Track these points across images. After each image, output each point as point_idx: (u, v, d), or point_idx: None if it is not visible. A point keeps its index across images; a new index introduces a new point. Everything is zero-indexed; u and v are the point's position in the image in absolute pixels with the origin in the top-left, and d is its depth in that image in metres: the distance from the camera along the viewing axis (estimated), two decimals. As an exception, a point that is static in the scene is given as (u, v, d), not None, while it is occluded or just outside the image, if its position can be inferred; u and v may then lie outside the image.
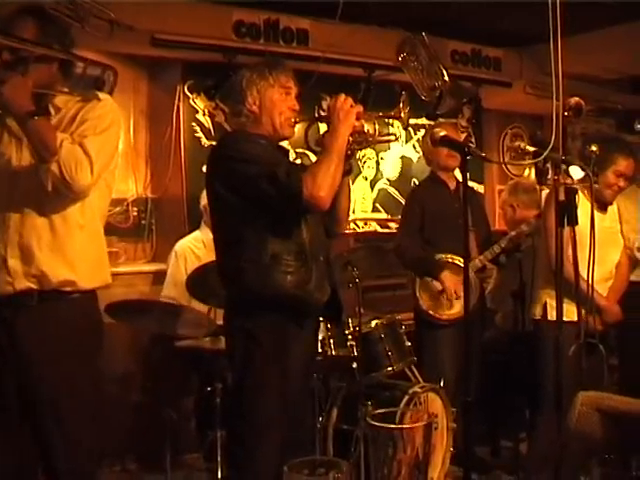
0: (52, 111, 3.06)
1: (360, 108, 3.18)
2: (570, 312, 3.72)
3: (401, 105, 3.23)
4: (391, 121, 6.98)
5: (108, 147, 3.10)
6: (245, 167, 3.11)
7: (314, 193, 2.99)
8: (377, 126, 3.30)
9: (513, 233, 5.07)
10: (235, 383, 3.28)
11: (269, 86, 3.29)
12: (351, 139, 3.20)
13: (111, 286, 5.26)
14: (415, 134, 7.19)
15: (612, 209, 4.69)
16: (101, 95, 3.14)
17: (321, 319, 3.83)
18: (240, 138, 3.32)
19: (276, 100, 3.28)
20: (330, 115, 3.16)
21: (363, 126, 3.23)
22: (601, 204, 4.55)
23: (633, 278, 5.17)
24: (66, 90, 3.09)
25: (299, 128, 3.46)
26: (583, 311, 3.58)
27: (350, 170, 3.41)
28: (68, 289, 3.06)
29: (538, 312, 4.56)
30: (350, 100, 3.16)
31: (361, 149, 3.54)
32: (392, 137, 3.45)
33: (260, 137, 3.27)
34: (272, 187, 3.03)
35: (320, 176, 3.01)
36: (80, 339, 3.09)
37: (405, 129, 3.04)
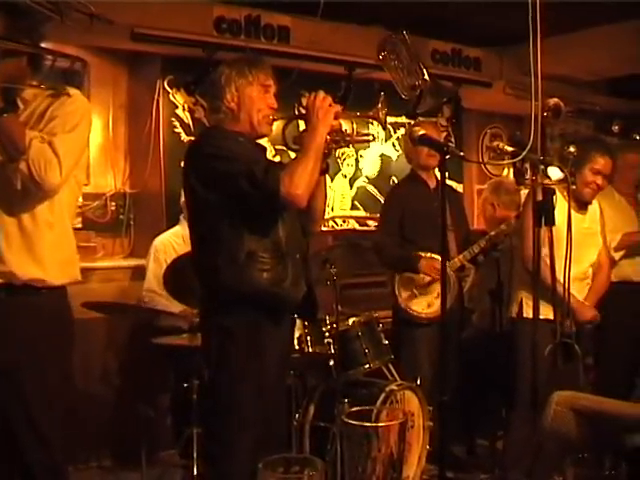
0: (20, 105, 3.03)
1: (339, 107, 3.19)
2: (547, 311, 3.74)
3: (379, 106, 3.23)
4: (370, 120, 7.02)
5: (77, 145, 3.08)
6: (223, 164, 3.10)
7: (291, 191, 3.00)
8: (355, 125, 3.30)
9: (492, 233, 5.08)
10: (211, 380, 3.27)
11: (248, 84, 3.28)
12: (329, 138, 3.20)
13: (89, 281, 5.27)
14: (395, 132, 7.22)
15: (593, 209, 4.71)
16: (71, 90, 3.11)
17: (296, 317, 3.85)
18: (218, 135, 3.31)
19: (255, 98, 3.28)
20: (309, 113, 3.16)
21: (341, 125, 3.24)
22: (581, 204, 4.57)
23: (611, 278, 5.23)
24: (35, 83, 3.05)
25: (278, 125, 3.46)
26: (559, 311, 3.58)
27: (327, 169, 3.43)
28: (37, 285, 3.05)
29: (514, 310, 4.58)
30: (329, 99, 3.16)
31: (338, 148, 3.55)
32: (370, 137, 3.45)
33: (238, 134, 3.27)
34: (250, 185, 3.03)
35: (298, 174, 3.02)
36: (49, 334, 3.07)
37: (384, 129, 3.04)
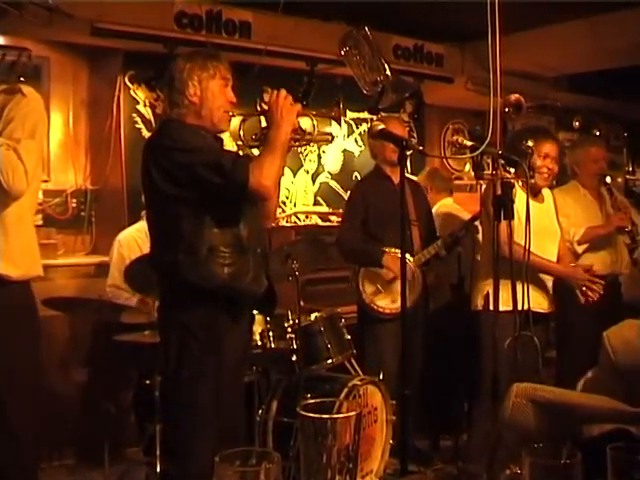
0: None
1: (299, 107, 3.20)
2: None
3: (340, 107, 3.28)
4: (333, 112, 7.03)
5: (39, 149, 3.16)
6: (186, 156, 3.10)
7: (261, 181, 3.01)
8: (315, 123, 3.31)
9: (457, 229, 5.12)
10: (170, 376, 3.26)
11: (210, 77, 3.26)
12: (290, 136, 3.22)
13: (50, 278, 5.22)
14: (357, 128, 7.23)
15: (548, 201, 4.75)
16: (24, 88, 3.14)
17: (255, 312, 3.85)
18: (178, 127, 3.28)
19: (217, 92, 3.26)
20: (272, 111, 3.16)
21: (299, 124, 3.25)
22: (535, 191, 4.60)
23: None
24: None
25: (234, 122, 3.45)
26: (519, 301, 3.61)
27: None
28: (3, 280, 3.04)
29: (479, 303, 4.61)
30: (290, 97, 3.18)
31: (298, 147, 3.56)
32: (329, 137, 3.46)
33: (199, 127, 3.25)
34: (218, 175, 3.03)
35: (267, 166, 3.04)
36: (14, 328, 3.06)
37: (339, 124, 3.07)
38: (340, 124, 3.34)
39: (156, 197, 3.23)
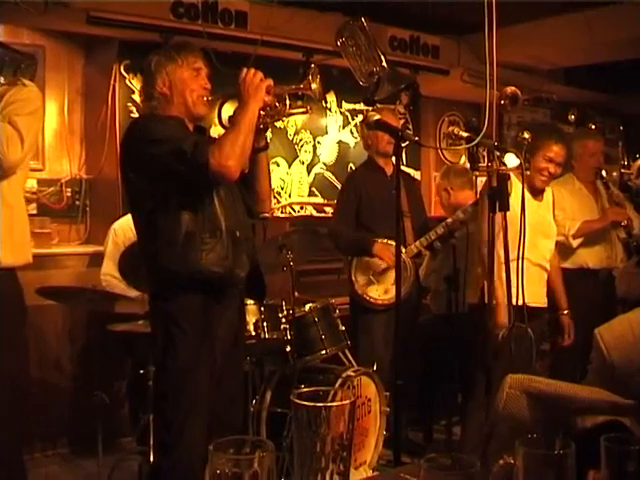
0: None
1: (270, 82, 3.17)
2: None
3: (310, 77, 3.23)
4: (329, 105, 7.03)
5: (36, 126, 3.23)
6: (152, 147, 3.10)
7: (222, 162, 2.98)
8: (288, 101, 3.29)
9: (449, 220, 5.11)
10: (159, 367, 3.28)
11: (177, 67, 3.28)
12: (263, 113, 3.21)
13: (44, 268, 5.21)
14: (352, 119, 7.23)
15: (547, 198, 4.74)
16: (26, 82, 3.20)
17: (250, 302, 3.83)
18: (148, 120, 3.33)
19: (186, 79, 3.28)
20: (240, 90, 3.15)
21: (275, 100, 3.23)
22: (535, 191, 4.60)
23: (567, 265, 5.28)
24: None
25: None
26: (514, 295, 3.60)
27: (266, 146, 3.45)
28: None
29: (477, 296, 4.61)
30: (260, 74, 3.15)
31: (275, 122, 3.54)
32: (304, 109, 3.43)
33: (170, 117, 3.27)
34: (179, 161, 3.02)
35: (228, 146, 3.01)
36: (2, 316, 3.07)
37: (320, 101, 3.03)
38: (318, 96, 3.28)
39: (132, 190, 3.26)
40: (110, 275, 5.08)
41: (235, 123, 3.09)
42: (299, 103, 3.36)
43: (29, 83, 3.23)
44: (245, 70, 3.17)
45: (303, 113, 3.50)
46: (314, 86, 3.22)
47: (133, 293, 4.80)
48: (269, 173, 3.61)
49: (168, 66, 3.27)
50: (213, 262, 3.14)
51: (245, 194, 3.44)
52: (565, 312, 4.84)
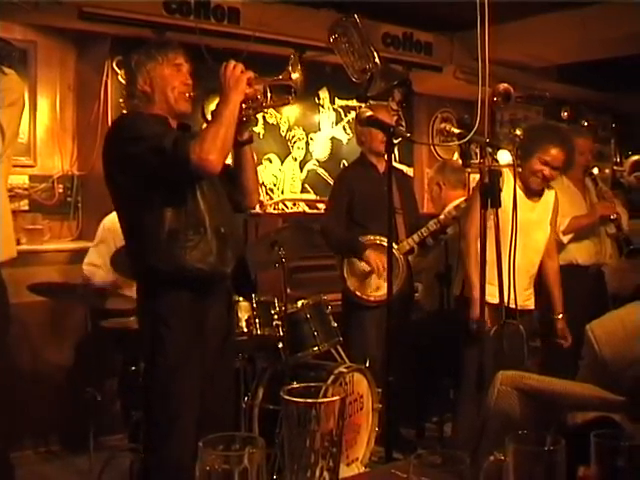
0: None
1: (251, 74, 3.16)
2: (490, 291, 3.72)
3: (290, 68, 3.21)
4: (322, 101, 7.02)
5: (17, 118, 3.19)
6: (133, 145, 3.09)
7: (203, 156, 2.96)
8: (269, 93, 3.27)
9: (441, 216, 5.12)
10: (147, 365, 3.28)
11: (158, 64, 3.28)
12: (244, 106, 3.19)
13: (35, 264, 5.20)
14: (345, 116, 7.22)
15: (546, 200, 4.67)
16: (6, 70, 3.16)
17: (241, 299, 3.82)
18: (129, 119, 3.34)
19: (167, 76, 3.27)
20: (221, 83, 3.14)
21: (256, 92, 3.22)
22: (530, 191, 4.54)
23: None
24: None
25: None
26: (505, 293, 3.60)
27: (250, 139, 3.43)
28: None
29: (458, 289, 4.61)
30: (240, 66, 3.14)
31: (257, 114, 3.52)
32: (287, 100, 3.42)
33: (151, 115, 3.26)
34: (159, 158, 3.02)
35: (208, 139, 3.00)
36: None
37: (295, 93, 3.00)
38: (298, 87, 3.25)
39: (115, 189, 3.25)
40: (92, 264, 5.07)
41: (216, 116, 3.09)
42: (285, 96, 3.35)
43: (9, 71, 3.17)
44: (225, 64, 3.16)
45: (285, 104, 3.50)
46: (295, 76, 3.20)
47: (110, 277, 4.81)
48: (255, 166, 3.63)
49: (148, 64, 3.27)
50: (197, 259, 3.14)
51: (231, 189, 3.44)
52: (559, 316, 4.78)
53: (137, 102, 3.30)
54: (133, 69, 3.29)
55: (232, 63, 3.15)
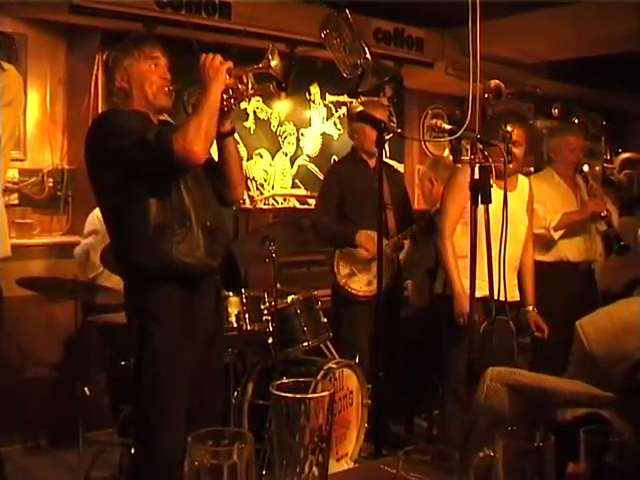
0: None
1: (230, 64, 3.16)
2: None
3: (269, 56, 3.21)
4: (313, 97, 7.01)
5: (14, 118, 3.16)
6: (115, 141, 3.08)
7: (186, 147, 2.96)
8: (251, 81, 3.27)
9: (432, 212, 5.12)
10: (136, 361, 3.26)
11: (135, 60, 3.27)
12: (225, 96, 3.19)
13: (25, 258, 5.17)
14: (336, 111, 7.22)
15: (520, 188, 4.68)
16: (5, 65, 3.14)
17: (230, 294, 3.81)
18: (110, 115, 3.34)
19: (144, 71, 3.27)
20: (201, 74, 3.13)
21: (236, 82, 3.21)
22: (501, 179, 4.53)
23: (548, 258, 5.30)
24: None
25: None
26: (495, 287, 3.60)
27: (232, 130, 3.42)
28: None
29: (440, 287, 4.60)
30: (219, 57, 3.14)
31: (238, 103, 3.51)
32: (268, 88, 3.42)
33: (132, 112, 3.25)
34: (142, 152, 3.01)
35: (191, 130, 3.00)
36: None
37: (280, 85, 2.98)
38: (279, 77, 3.25)
39: (98, 186, 3.24)
40: (88, 245, 5.07)
41: (198, 108, 3.09)
42: (266, 84, 3.35)
43: (8, 67, 3.15)
44: (204, 55, 3.16)
45: (268, 91, 3.49)
46: (274, 63, 3.20)
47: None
48: (239, 159, 3.63)
49: (125, 60, 3.27)
50: (184, 253, 3.14)
51: (216, 182, 3.43)
52: (530, 308, 4.74)
53: (116, 100, 3.31)
54: (111, 67, 3.30)
55: (210, 55, 3.15)
